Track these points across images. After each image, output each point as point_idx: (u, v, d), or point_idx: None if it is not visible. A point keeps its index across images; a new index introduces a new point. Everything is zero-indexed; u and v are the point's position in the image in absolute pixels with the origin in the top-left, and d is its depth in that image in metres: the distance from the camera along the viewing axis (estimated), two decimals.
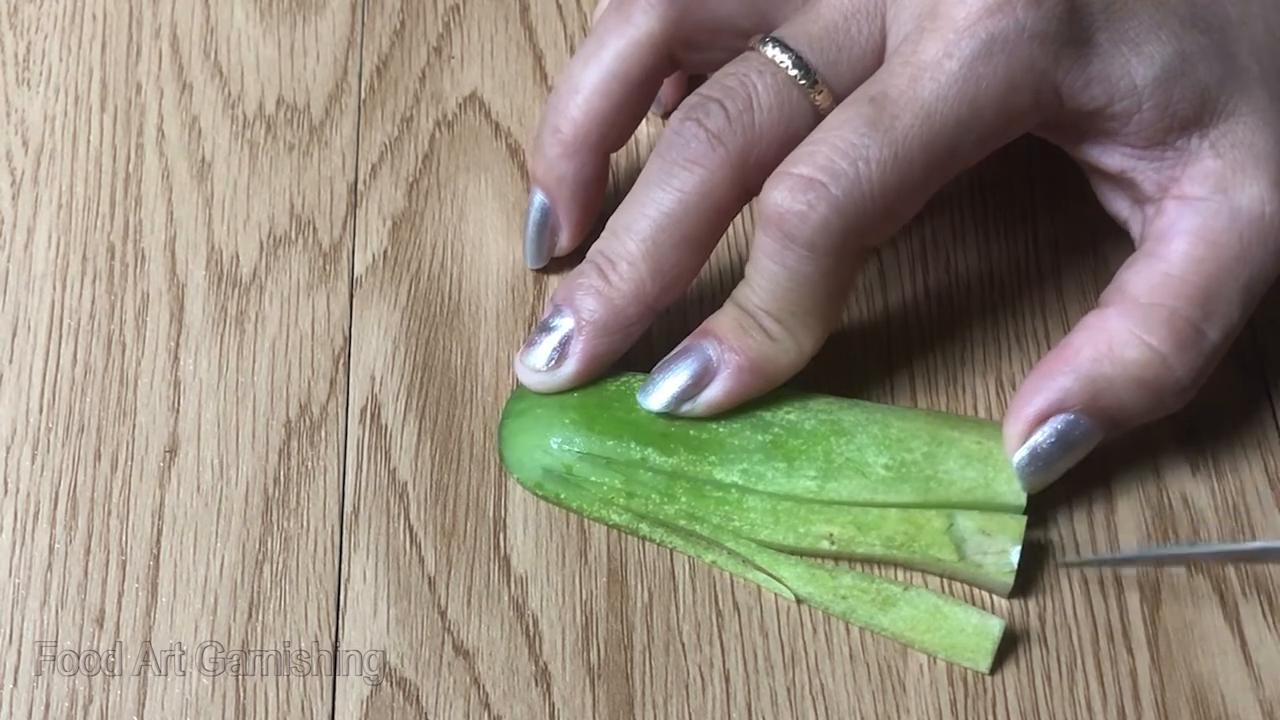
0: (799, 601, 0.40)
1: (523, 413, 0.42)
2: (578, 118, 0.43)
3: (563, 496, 0.42)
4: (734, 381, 0.41)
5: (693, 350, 0.41)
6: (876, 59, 0.40)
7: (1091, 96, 0.39)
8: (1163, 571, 0.41)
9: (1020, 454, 0.40)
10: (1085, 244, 0.46)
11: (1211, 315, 0.39)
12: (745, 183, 0.40)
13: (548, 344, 0.42)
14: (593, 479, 0.41)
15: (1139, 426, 0.41)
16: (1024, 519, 0.40)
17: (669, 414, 0.41)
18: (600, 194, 0.45)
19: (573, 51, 0.50)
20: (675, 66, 0.44)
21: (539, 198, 0.44)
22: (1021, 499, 0.40)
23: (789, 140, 0.40)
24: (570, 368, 0.42)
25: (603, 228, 0.42)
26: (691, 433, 0.41)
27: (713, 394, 0.41)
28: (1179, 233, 0.40)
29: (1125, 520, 0.42)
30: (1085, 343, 0.40)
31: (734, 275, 0.46)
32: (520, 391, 0.43)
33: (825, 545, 0.40)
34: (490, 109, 0.49)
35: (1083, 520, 0.42)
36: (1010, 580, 0.40)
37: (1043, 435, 0.40)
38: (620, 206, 0.41)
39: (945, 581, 0.41)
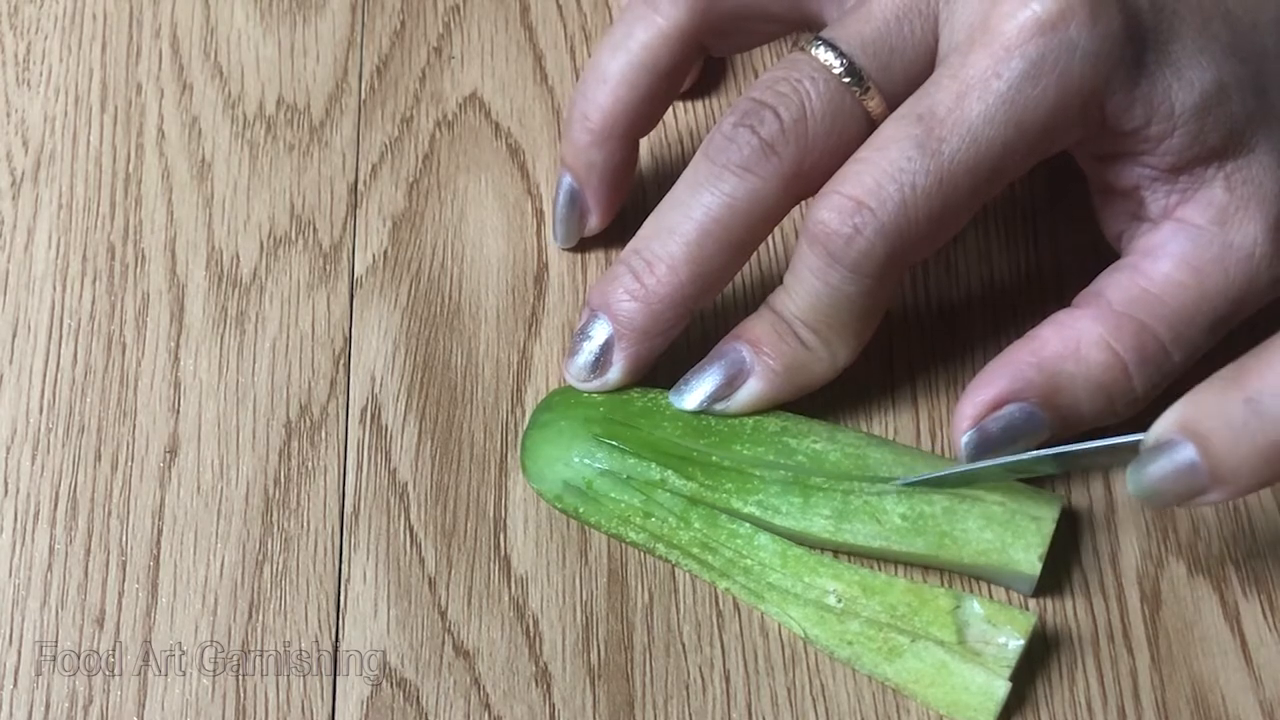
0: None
1: (547, 424, 0.42)
2: (606, 106, 0.43)
3: (581, 511, 0.41)
4: (766, 384, 0.41)
5: (726, 353, 0.41)
6: (929, 59, 0.40)
7: (1131, 117, 0.39)
8: (1163, 571, 0.41)
9: (969, 435, 0.40)
10: (1086, 246, 0.46)
11: (1180, 339, 0.40)
12: (795, 191, 0.40)
13: (588, 351, 0.42)
14: (612, 496, 0.41)
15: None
16: (1034, 616, 0.39)
17: (702, 412, 0.41)
18: (630, 177, 0.45)
19: (573, 52, 0.50)
20: (703, 53, 0.44)
21: (568, 180, 0.45)
22: (1035, 568, 0.39)
23: (840, 147, 0.40)
24: (615, 375, 0.42)
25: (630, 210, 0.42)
26: (713, 458, 0.41)
27: (745, 395, 0.41)
28: (1167, 254, 0.40)
29: (1125, 520, 0.42)
30: (1053, 337, 0.40)
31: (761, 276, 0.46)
32: (547, 401, 0.43)
33: (830, 600, 0.40)
34: (490, 109, 0.49)
35: (1083, 519, 0.42)
36: (1005, 675, 0.38)
37: (994, 420, 0.40)
38: (661, 206, 0.41)
39: (955, 630, 0.39)
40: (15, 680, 0.39)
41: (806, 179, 0.40)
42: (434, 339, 0.45)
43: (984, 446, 0.40)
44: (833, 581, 0.40)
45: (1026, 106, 0.38)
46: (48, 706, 0.39)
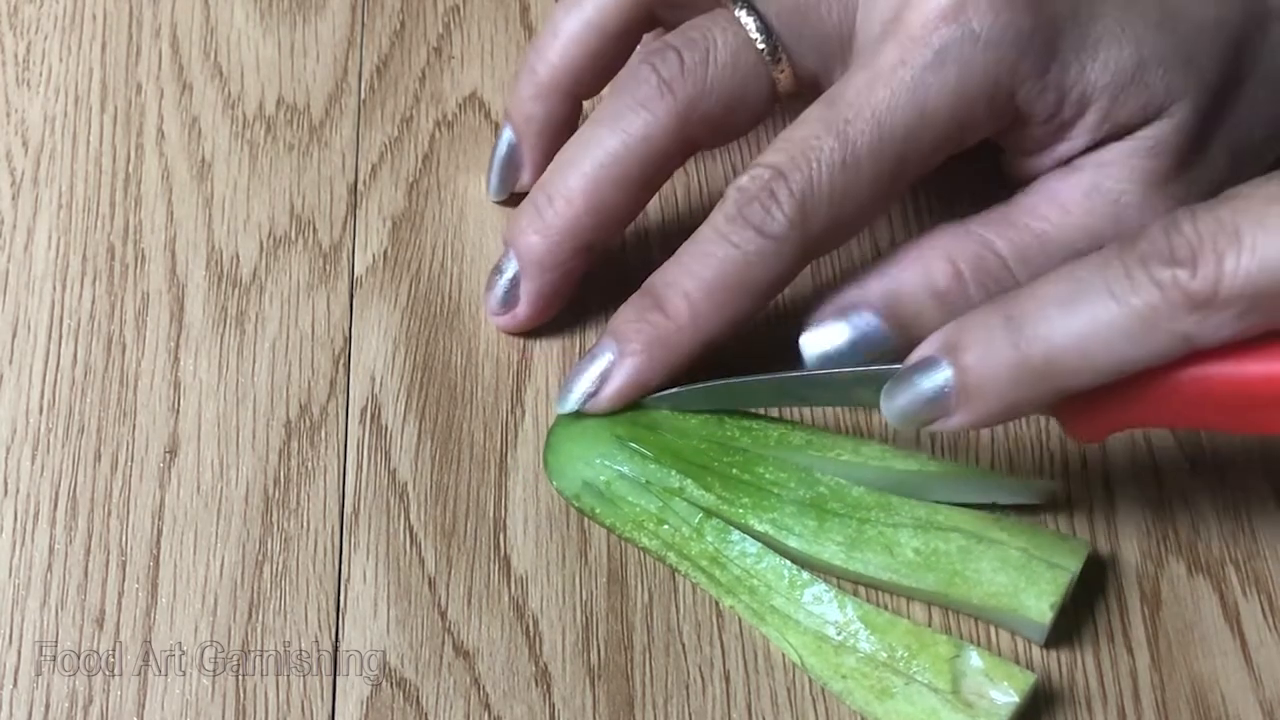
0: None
1: (572, 422, 0.42)
2: (554, 61, 0.44)
3: (598, 511, 0.41)
4: (629, 368, 0.41)
5: (594, 352, 0.42)
6: (841, 45, 0.42)
7: (1044, 103, 0.40)
8: (1163, 571, 0.41)
9: (806, 334, 0.41)
10: None
11: (1025, 261, 0.41)
12: (689, 134, 0.42)
13: (500, 285, 0.44)
14: (629, 499, 0.41)
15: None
16: (1033, 676, 0.38)
17: (579, 412, 0.42)
18: (567, 137, 0.45)
19: None
20: (655, 23, 0.45)
21: (507, 133, 0.46)
22: (1046, 617, 0.38)
23: (738, 101, 0.41)
24: (524, 310, 0.44)
25: None
26: (734, 472, 0.41)
27: (611, 387, 0.42)
28: (1038, 186, 0.42)
29: (1125, 519, 0.42)
30: (903, 253, 0.42)
31: None
32: None
33: (829, 631, 0.39)
34: (490, 109, 0.49)
35: (1083, 520, 0.42)
36: None
37: (838, 327, 0.41)
38: (568, 142, 0.43)
39: (951, 678, 0.38)
40: (15, 680, 0.39)
41: (700, 124, 0.41)
42: (434, 339, 0.45)
43: (824, 351, 0.41)
44: (835, 612, 0.40)
45: (929, 93, 0.39)
46: (48, 706, 0.39)
